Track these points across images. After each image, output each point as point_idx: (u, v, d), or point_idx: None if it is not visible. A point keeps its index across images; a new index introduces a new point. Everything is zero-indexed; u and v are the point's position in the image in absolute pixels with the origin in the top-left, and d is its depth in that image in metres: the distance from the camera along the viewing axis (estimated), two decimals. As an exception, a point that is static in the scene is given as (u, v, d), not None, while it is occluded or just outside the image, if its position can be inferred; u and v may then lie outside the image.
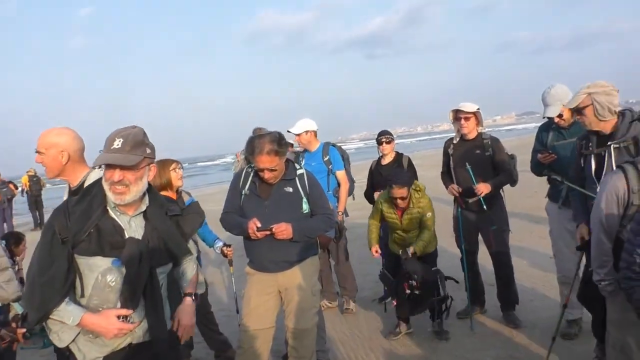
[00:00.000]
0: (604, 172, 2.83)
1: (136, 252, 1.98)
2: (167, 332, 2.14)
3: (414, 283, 3.88)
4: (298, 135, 4.71)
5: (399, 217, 4.13)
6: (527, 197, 8.67)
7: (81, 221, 1.94)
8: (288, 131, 4.63)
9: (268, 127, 3.90)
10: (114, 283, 1.97)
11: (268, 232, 2.95)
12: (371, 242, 4.29)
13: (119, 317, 1.94)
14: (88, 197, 2.01)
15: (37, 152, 2.59)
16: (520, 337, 3.98)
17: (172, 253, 2.15)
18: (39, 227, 14.50)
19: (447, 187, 4.48)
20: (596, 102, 2.83)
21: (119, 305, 1.98)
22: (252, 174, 3.17)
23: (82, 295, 1.99)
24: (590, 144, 3.00)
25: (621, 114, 2.86)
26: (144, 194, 2.07)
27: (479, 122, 4.29)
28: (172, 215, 2.19)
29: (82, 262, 1.95)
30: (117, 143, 1.94)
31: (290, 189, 3.10)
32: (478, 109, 4.22)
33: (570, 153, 3.44)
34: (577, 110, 2.95)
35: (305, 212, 3.12)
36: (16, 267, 4.65)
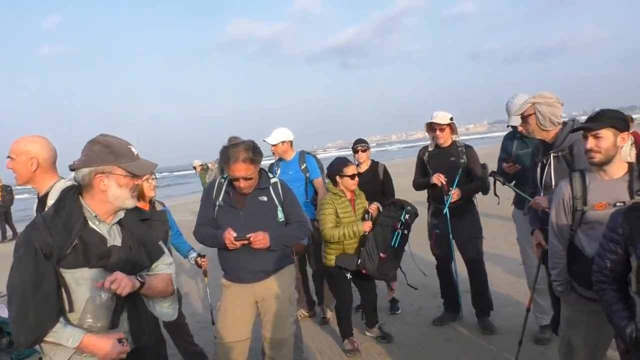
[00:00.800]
0: (543, 180, 3.00)
1: (122, 260, 2.00)
2: (152, 337, 2.15)
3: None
4: (274, 145, 4.69)
5: (352, 206, 4.10)
6: (499, 205, 8.80)
7: (64, 235, 1.91)
8: (264, 141, 4.62)
9: (243, 136, 3.88)
10: (105, 298, 1.97)
11: (245, 242, 2.93)
12: (354, 227, 3.98)
13: (119, 340, 1.94)
14: (64, 211, 1.97)
15: (9, 157, 2.60)
16: (495, 343, 4.03)
17: (150, 255, 2.17)
18: (5, 239, 14.09)
19: (421, 189, 4.54)
20: (538, 112, 2.99)
21: (109, 318, 1.98)
22: (225, 184, 3.13)
23: (71, 310, 1.94)
24: (539, 153, 3.16)
25: (564, 124, 3.01)
26: None
27: (453, 131, 4.37)
28: (143, 219, 2.26)
29: (68, 275, 1.92)
30: (135, 150, 2.04)
31: (265, 198, 3.09)
32: (451, 118, 4.29)
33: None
34: (522, 118, 3.10)
35: (280, 220, 3.12)
36: None
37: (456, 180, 4.20)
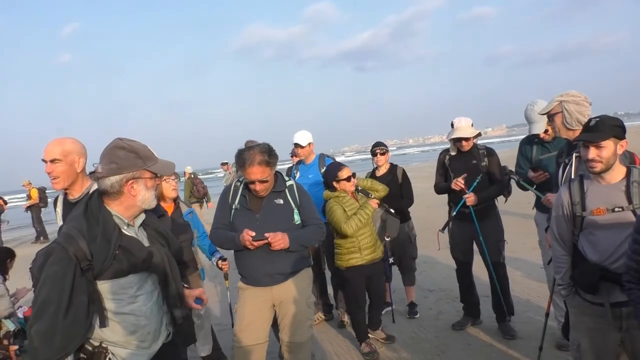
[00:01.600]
0: (563, 180, 2.94)
1: (165, 258, 2.07)
2: (191, 320, 2.28)
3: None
4: (303, 147, 4.72)
5: (355, 199, 4.13)
6: (520, 208, 8.70)
7: (105, 246, 1.89)
8: (295, 144, 4.70)
9: (260, 140, 3.91)
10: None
11: (264, 241, 2.93)
12: (365, 209, 4.03)
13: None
14: (97, 220, 1.94)
15: (52, 161, 2.53)
16: (516, 348, 3.97)
17: (172, 249, 2.22)
18: (39, 240, 14.32)
19: (443, 192, 4.50)
20: (565, 110, 2.94)
21: (155, 319, 2.07)
22: (241, 188, 3.14)
23: (103, 325, 1.94)
24: (564, 154, 3.12)
25: None
26: None
27: (476, 136, 4.34)
28: (159, 216, 2.36)
29: (112, 285, 1.92)
30: (153, 151, 2.08)
31: (281, 201, 3.09)
32: (479, 133, 4.28)
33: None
34: (549, 117, 3.06)
35: (297, 223, 3.12)
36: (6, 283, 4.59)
37: (473, 185, 4.17)
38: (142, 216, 2.11)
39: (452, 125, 4.32)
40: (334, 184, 4.02)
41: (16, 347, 2.67)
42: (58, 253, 1.84)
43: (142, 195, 2.02)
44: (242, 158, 2.95)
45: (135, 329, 1.98)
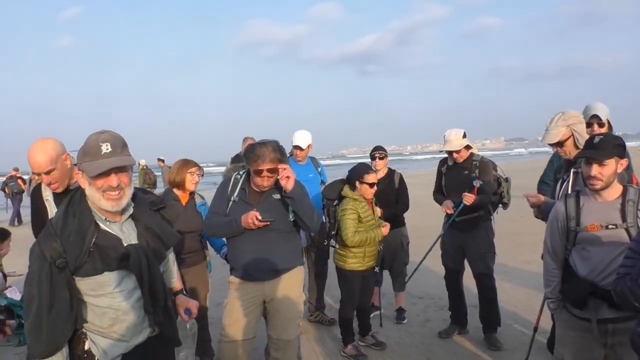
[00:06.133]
0: (559, 195, 2.99)
1: (142, 257, 1.97)
2: (176, 325, 2.20)
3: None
4: (302, 149, 4.72)
5: (372, 209, 4.13)
6: (512, 222, 8.76)
7: (78, 243, 1.85)
8: (295, 146, 4.70)
9: (257, 138, 3.91)
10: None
11: (267, 223, 2.94)
12: (374, 235, 4.04)
13: None
14: (73, 216, 1.90)
15: (47, 173, 2.54)
16: (500, 359, 3.99)
17: (167, 245, 2.18)
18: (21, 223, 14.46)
19: (441, 204, 4.52)
20: (576, 132, 2.99)
21: (136, 315, 2.01)
22: (241, 181, 3.15)
23: (85, 321, 1.96)
24: (562, 170, 3.14)
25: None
26: None
27: (468, 148, 4.36)
28: (157, 209, 2.18)
29: (89, 282, 1.90)
30: (106, 147, 1.85)
31: (278, 196, 3.09)
32: (465, 134, 4.27)
33: None
34: (558, 144, 3.04)
35: (291, 219, 3.11)
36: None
37: (459, 208, 4.23)
38: (129, 210, 2.02)
39: (444, 139, 4.37)
40: (357, 183, 4.02)
41: (12, 321, 2.68)
42: (35, 252, 1.87)
43: (87, 191, 1.91)
44: (255, 153, 2.94)
45: (113, 322, 1.96)
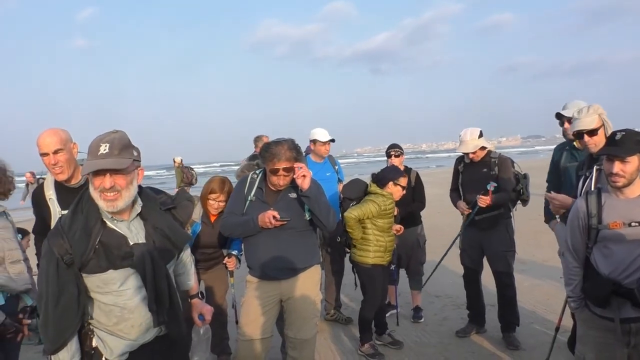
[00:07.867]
0: (582, 192, 2.90)
1: (147, 257, 1.98)
2: (183, 325, 2.18)
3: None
4: (324, 143, 4.74)
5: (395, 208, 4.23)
6: (531, 220, 8.66)
7: (83, 240, 1.89)
8: (311, 140, 4.74)
9: (270, 136, 3.92)
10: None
11: (284, 222, 2.96)
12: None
13: None
14: (81, 214, 1.94)
15: (55, 152, 2.54)
16: (518, 359, 3.95)
17: (176, 245, 2.17)
18: None
19: (455, 205, 4.49)
20: (606, 122, 2.93)
21: (142, 313, 2.02)
22: (257, 181, 3.16)
23: (92, 317, 1.99)
24: (584, 166, 3.08)
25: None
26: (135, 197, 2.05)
27: (484, 147, 4.31)
28: (167, 209, 2.19)
29: (95, 279, 1.93)
30: (104, 148, 1.89)
31: (295, 195, 3.10)
32: (481, 133, 4.23)
33: None
34: (588, 132, 2.96)
35: (308, 218, 3.11)
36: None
37: (476, 209, 4.20)
38: (137, 209, 2.04)
39: (459, 139, 4.33)
40: (390, 184, 4.11)
41: (29, 321, 2.71)
42: (45, 249, 1.93)
43: (90, 190, 1.95)
44: (271, 152, 2.95)
45: (119, 320, 1.98)
